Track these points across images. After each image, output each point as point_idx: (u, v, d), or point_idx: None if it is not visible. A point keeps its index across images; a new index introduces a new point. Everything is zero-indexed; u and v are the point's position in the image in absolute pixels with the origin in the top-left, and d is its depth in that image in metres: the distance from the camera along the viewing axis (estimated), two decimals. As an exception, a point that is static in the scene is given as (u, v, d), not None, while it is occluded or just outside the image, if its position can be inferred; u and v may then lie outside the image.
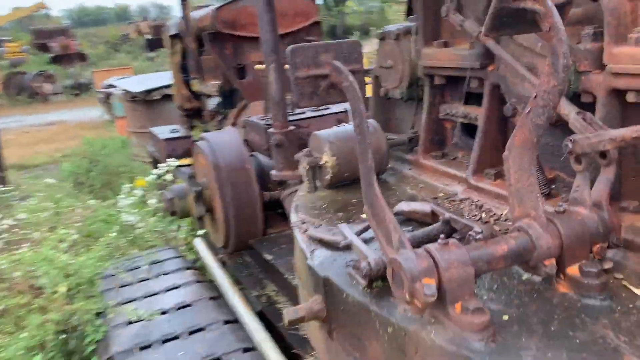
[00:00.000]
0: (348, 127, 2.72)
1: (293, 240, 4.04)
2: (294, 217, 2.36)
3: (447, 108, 2.63)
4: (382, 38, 2.92)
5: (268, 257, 4.33)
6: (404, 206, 2.18)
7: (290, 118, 4.42)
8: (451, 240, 1.41)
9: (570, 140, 1.60)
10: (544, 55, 1.88)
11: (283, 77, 3.78)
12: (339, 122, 4.61)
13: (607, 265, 1.55)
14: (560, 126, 1.95)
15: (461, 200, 2.31)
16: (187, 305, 3.79)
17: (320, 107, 4.76)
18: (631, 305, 1.46)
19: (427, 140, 2.75)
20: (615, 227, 1.54)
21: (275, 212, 4.99)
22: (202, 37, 6.08)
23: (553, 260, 1.50)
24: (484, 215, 2.12)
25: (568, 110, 1.73)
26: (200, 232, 5.18)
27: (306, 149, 2.68)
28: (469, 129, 2.67)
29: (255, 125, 4.60)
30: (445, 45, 2.54)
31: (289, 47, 1.58)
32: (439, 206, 2.11)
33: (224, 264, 4.91)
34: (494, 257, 1.44)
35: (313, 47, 1.59)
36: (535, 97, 1.42)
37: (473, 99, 2.58)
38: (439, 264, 1.33)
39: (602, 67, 1.76)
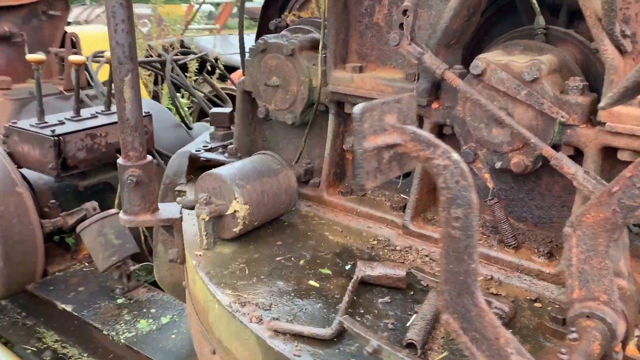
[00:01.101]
0: (248, 163, 2.19)
1: (88, 280, 3.21)
2: (222, 297, 1.78)
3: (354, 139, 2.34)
4: (263, 50, 2.44)
5: (68, 307, 3.38)
6: (367, 269, 1.84)
7: (76, 127, 3.50)
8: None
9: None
10: (525, 103, 1.77)
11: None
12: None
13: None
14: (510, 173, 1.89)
15: (404, 251, 2.07)
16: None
17: (114, 111, 3.89)
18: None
19: (332, 174, 2.42)
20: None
21: (53, 241, 3.95)
22: None
23: (620, 345, 1.41)
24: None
25: (574, 169, 1.65)
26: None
27: (203, 195, 2.07)
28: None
29: (29, 135, 3.49)
30: (361, 70, 2.23)
31: (359, 108, 1.08)
32: (418, 271, 1.84)
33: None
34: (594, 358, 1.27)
35: (378, 105, 1.12)
36: (631, 176, 1.28)
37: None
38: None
39: (590, 122, 1.73)
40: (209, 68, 7.00)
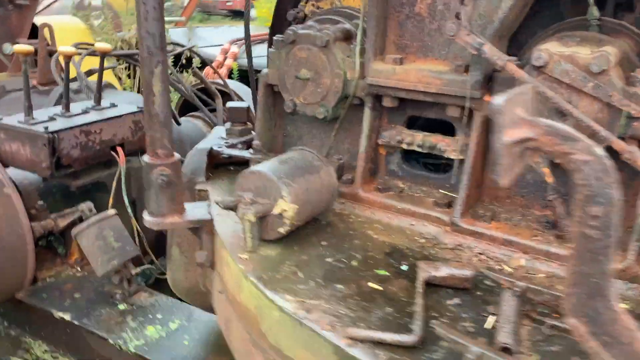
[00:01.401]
0: (289, 160, 2.08)
1: (84, 285, 3.06)
2: (284, 303, 1.67)
3: (391, 134, 2.26)
4: (292, 42, 2.32)
5: (65, 315, 3.17)
6: (431, 270, 1.77)
7: (70, 124, 3.29)
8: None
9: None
10: (591, 96, 1.73)
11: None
12: (135, 123, 3.65)
13: None
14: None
15: (456, 249, 2.01)
16: None
17: (105, 106, 3.67)
18: None
19: (367, 170, 2.33)
20: None
21: (40, 245, 3.71)
22: None
23: None
24: (508, 269, 1.88)
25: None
26: None
27: (248, 194, 1.94)
28: (407, 156, 2.37)
29: (18, 133, 3.25)
30: (401, 62, 2.15)
31: (500, 99, 0.99)
32: (489, 271, 1.77)
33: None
34: None
35: (513, 97, 1.04)
36: None
37: (414, 124, 2.29)
38: None
39: (658, 115, 1.71)
40: (184, 62, 6.77)
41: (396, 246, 2.03)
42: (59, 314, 3.19)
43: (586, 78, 1.72)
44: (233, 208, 2.00)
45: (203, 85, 5.02)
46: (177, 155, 2.14)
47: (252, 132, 2.79)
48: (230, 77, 7.98)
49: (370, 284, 1.79)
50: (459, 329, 1.57)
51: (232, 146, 2.60)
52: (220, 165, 2.69)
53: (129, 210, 3.54)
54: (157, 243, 3.92)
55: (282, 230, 1.96)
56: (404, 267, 1.89)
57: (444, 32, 2.08)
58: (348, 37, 2.34)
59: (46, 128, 3.14)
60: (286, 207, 1.92)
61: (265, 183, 1.94)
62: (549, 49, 1.78)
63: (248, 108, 2.77)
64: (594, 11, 1.92)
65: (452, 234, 2.07)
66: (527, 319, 1.61)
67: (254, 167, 1.99)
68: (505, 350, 1.42)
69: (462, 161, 2.13)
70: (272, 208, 1.93)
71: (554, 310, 1.61)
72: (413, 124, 2.31)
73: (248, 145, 2.70)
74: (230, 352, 2.93)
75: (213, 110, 4.92)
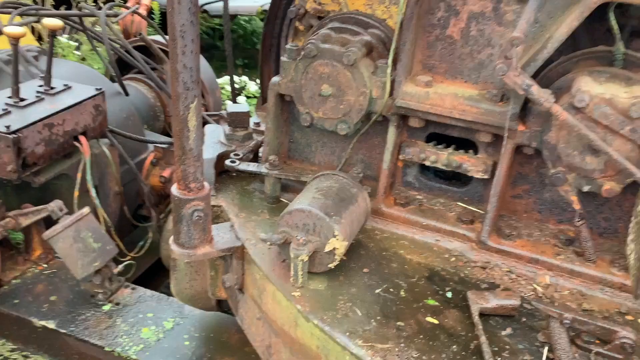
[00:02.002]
0: (329, 190, 2.07)
1: (57, 285, 2.96)
2: (358, 350, 1.74)
3: (414, 151, 2.30)
4: (314, 56, 2.23)
5: (49, 324, 3.03)
6: (481, 301, 1.91)
7: (30, 118, 2.98)
8: None
9: None
10: (625, 137, 1.88)
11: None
12: (95, 107, 3.37)
13: None
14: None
15: (485, 267, 2.16)
16: None
17: (57, 88, 3.32)
18: None
19: (388, 185, 2.37)
20: None
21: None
22: None
23: None
24: (538, 288, 2.07)
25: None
26: None
27: (300, 235, 1.93)
28: (424, 168, 2.44)
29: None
30: (429, 84, 2.17)
31: None
32: (539, 302, 1.93)
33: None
34: None
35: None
36: None
37: (435, 140, 2.35)
38: None
39: (680, 154, 1.90)
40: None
41: (433, 268, 2.14)
42: (41, 323, 3.03)
43: (624, 122, 1.86)
44: (280, 245, 1.98)
45: (141, 43, 4.63)
46: (207, 186, 2.05)
47: (254, 136, 2.70)
48: (151, 18, 7.36)
49: (428, 319, 1.90)
50: (522, 364, 1.74)
51: (243, 158, 2.51)
52: (222, 173, 2.60)
53: (97, 201, 3.35)
54: (121, 228, 3.77)
55: (332, 265, 1.99)
56: (449, 295, 2.01)
57: (475, 57, 2.11)
58: (370, 50, 2.29)
59: (8, 127, 2.81)
60: (338, 245, 1.94)
61: (315, 221, 1.93)
62: (590, 91, 1.88)
63: (248, 112, 2.66)
64: (621, 46, 2.02)
65: (479, 252, 2.21)
66: (574, 345, 1.81)
67: (300, 205, 1.96)
68: (577, 389, 1.61)
69: (485, 180, 2.24)
70: (323, 246, 1.94)
71: (597, 337, 1.81)
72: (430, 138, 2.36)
73: (254, 153, 2.62)
74: (235, 349, 2.98)
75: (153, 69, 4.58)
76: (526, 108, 2.04)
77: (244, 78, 7.15)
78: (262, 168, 2.42)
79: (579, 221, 2.06)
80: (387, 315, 1.89)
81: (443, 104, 2.12)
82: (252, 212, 2.38)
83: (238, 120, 2.65)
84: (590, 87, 1.90)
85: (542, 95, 1.89)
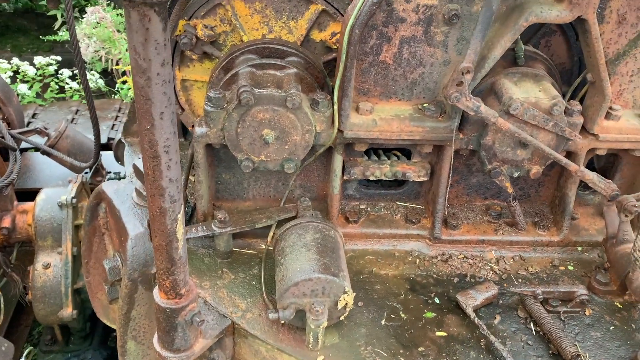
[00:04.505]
0: (317, 241, 2.04)
1: None
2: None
3: (359, 170, 2.36)
4: (247, 103, 2.05)
5: None
6: (470, 300, 2.16)
7: None
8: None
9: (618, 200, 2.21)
10: (549, 131, 2.20)
11: None
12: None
13: None
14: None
15: (446, 260, 2.41)
16: None
17: None
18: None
19: (339, 208, 2.41)
20: None
21: None
22: None
23: None
24: (494, 267, 2.40)
25: (591, 175, 2.25)
26: None
27: (317, 307, 1.90)
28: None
29: None
30: (372, 111, 2.20)
31: None
32: (510, 285, 2.23)
33: None
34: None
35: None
36: None
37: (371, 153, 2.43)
38: None
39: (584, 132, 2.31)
40: None
41: (408, 277, 2.32)
42: None
43: (548, 119, 2.16)
44: (294, 318, 1.94)
45: None
46: (191, 282, 1.86)
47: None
48: None
49: (438, 334, 2.09)
50: (521, 345, 2.07)
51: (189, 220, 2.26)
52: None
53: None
54: None
55: (344, 317, 2.03)
56: (437, 300, 2.23)
57: (408, 77, 2.19)
58: (301, 82, 2.19)
59: None
60: (349, 299, 1.97)
61: (324, 285, 1.92)
62: (520, 98, 2.12)
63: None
64: (520, 45, 2.28)
65: (433, 246, 2.44)
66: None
67: (305, 274, 1.91)
68: (577, 357, 2.00)
69: (423, 182, 2.43)
70: (335, 304, 1.96)
71: (561, 299, 2.22)
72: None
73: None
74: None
75: None
76: (462, 118, 2.22)
77: (16, 60, 5.98)
78: (214, 228, 2.23)
79: (514, 201, 2.40)
80: (406, 345, 2.04)
81: (390, 129, 2.18)
82: (213, 276, 2.23)
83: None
84: (514, 91, 2.15)
85: (489, 113, 2.08)
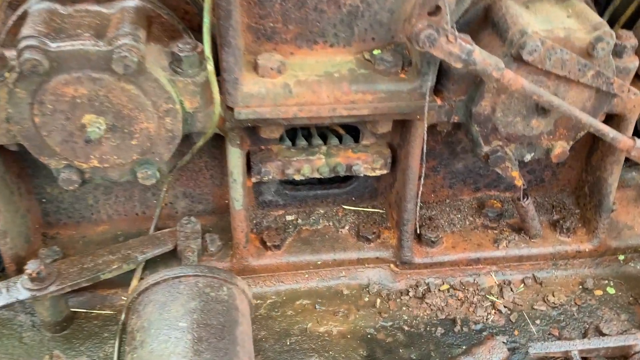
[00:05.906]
0: (201, 326, 1.12)
1: None
2: None
3: (274, 167, 1.42)
4: (34, 70, 1.08)
5: None
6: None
7: None
8: None
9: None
10: (587, 86, 1.30)
11: None
12: None
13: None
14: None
15: (423, 297, 1.54)
16: None
17: None
18: None
19: (248, 230, 1.49)
20: None
21: None
22: None
23: None
24: (495, 299, 1.54)
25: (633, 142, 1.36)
26: None
27: None
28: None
29: None
30: (282, 69, 1.24)
31: None
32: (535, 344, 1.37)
33: None
34: None
35: None
36: None
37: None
38: None
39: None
40: None
41: (364, 336, 1.44)
42: None
43: (586, 66, 1.25)
44: None
45: None
46: None
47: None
48: None
49: None
50: None
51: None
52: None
53: None
54: None
55: None
56: (412, 374, 1.37)
57: (341, 4, 1.22)
58: (149, 25, 1.21)
59: None
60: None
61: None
62: (538, 32, 1.20)
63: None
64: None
65: (402, 274, 1.57)
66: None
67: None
68: None
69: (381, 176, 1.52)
70: None
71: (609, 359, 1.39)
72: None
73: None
74: None
75: None
76: (440, 73, 1.29)
77: None
78: (20, 290, 1.28)
79: (525, 199, 1.51)
80: None
81: (318, 99, 1.24)
82: (37, 364, 1.31)
83: None
84: (527, 20, 1.22)
85: (489, 63, 1.14)
